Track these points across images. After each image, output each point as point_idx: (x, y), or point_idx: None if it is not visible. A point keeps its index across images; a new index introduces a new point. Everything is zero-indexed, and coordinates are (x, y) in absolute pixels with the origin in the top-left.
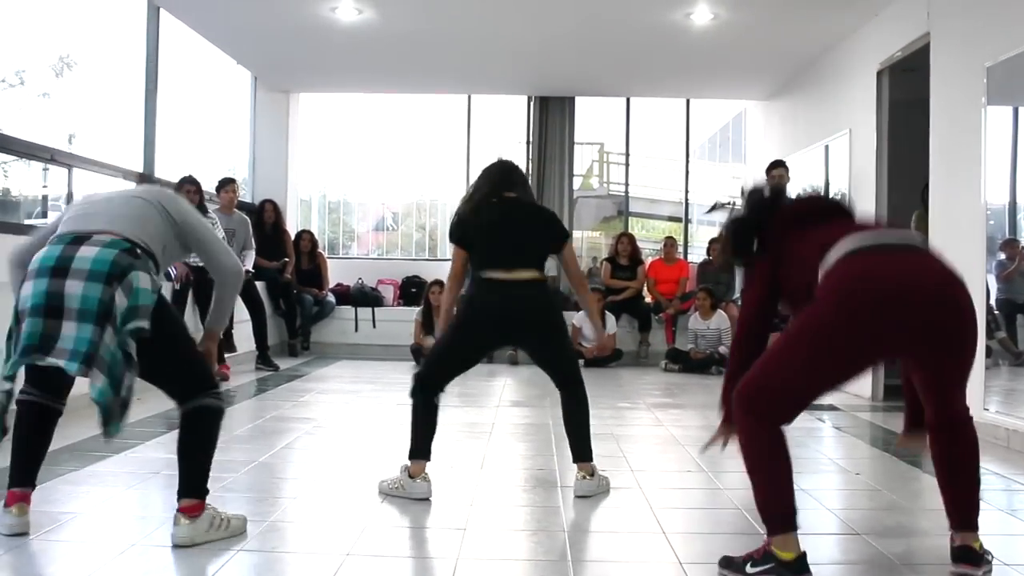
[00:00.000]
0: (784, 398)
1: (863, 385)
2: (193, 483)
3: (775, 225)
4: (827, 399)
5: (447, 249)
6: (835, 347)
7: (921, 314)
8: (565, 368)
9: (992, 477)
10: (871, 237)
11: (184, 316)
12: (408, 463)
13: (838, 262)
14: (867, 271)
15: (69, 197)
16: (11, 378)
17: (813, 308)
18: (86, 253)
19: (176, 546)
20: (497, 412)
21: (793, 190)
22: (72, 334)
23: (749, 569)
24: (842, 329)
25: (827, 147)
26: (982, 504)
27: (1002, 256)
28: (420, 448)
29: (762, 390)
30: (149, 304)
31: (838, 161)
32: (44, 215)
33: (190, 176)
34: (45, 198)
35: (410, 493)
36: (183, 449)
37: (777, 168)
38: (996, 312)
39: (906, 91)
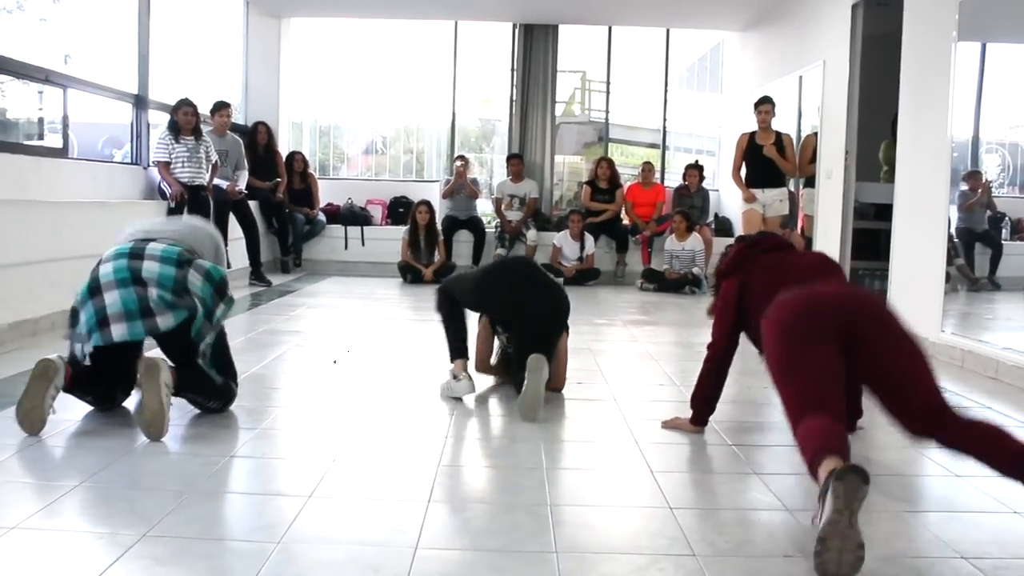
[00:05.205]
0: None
1: None
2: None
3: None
4: None
5: (433, 171)
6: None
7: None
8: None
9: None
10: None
11: None
12: (451, 365)
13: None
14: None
15: (65, 120)
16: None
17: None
18: (155, 248)
19: None
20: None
21: (777, 124)
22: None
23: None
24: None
25: (801, 78)
26: None
27: (964, 187)
28: (458, 348)
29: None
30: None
31: (811, 92)
32: (41, 137)
33: (187, 99)
34: (41, 120)
35: (454, 392)
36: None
37: (764, 104)
38: (956, 240)
39: (879, 25)
